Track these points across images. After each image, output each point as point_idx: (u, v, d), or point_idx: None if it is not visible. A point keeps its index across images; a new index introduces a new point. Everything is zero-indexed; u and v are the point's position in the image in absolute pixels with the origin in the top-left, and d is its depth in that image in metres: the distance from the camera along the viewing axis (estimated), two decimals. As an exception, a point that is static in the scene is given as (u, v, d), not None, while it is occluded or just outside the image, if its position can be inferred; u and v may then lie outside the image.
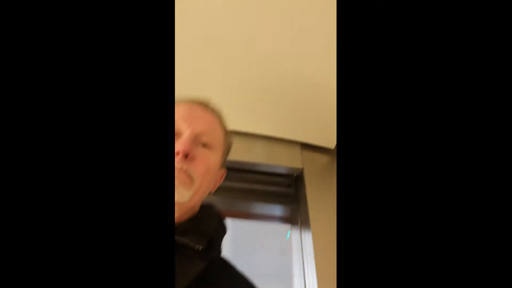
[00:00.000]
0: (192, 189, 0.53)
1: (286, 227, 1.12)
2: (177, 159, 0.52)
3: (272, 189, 1.13)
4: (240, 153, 1.08)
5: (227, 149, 0.65)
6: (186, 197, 0.52)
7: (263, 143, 1.12)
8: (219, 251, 0.58)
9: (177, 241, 0.50)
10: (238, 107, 1.01)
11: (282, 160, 1.11)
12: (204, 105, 0.62)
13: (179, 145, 0.52)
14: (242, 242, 1.08)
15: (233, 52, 0.88)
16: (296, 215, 1.10)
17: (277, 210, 1.12)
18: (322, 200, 1.05)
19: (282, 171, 1.13)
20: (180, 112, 0.58)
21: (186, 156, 0.51)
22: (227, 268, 0.57)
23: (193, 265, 0.49)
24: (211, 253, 0.53)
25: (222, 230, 0.61)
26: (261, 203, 1.10)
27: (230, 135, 0.65)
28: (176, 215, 0.53)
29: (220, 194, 1.05)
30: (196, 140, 0.55)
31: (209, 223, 0.57)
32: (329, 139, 1.11)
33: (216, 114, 0.62)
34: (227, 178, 0.66)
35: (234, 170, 1.09)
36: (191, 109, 0.59)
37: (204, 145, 0.56)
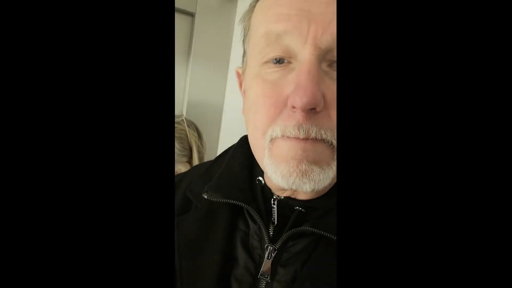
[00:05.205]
0: (332, 162, 0.31)
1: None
2: (293, 119, 0.29)
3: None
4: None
5: None
6: (324, 182, 0.31)
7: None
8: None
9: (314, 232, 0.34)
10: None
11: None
12: None
13: (298, 91, 0.28)
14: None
15: None
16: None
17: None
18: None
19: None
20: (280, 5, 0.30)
21: (312, 110, 0.29)
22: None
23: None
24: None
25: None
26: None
27: None
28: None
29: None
30: (322, 63, 0.30)
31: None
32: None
33: None
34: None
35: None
36: None
37: (331, 65, 0.30)
